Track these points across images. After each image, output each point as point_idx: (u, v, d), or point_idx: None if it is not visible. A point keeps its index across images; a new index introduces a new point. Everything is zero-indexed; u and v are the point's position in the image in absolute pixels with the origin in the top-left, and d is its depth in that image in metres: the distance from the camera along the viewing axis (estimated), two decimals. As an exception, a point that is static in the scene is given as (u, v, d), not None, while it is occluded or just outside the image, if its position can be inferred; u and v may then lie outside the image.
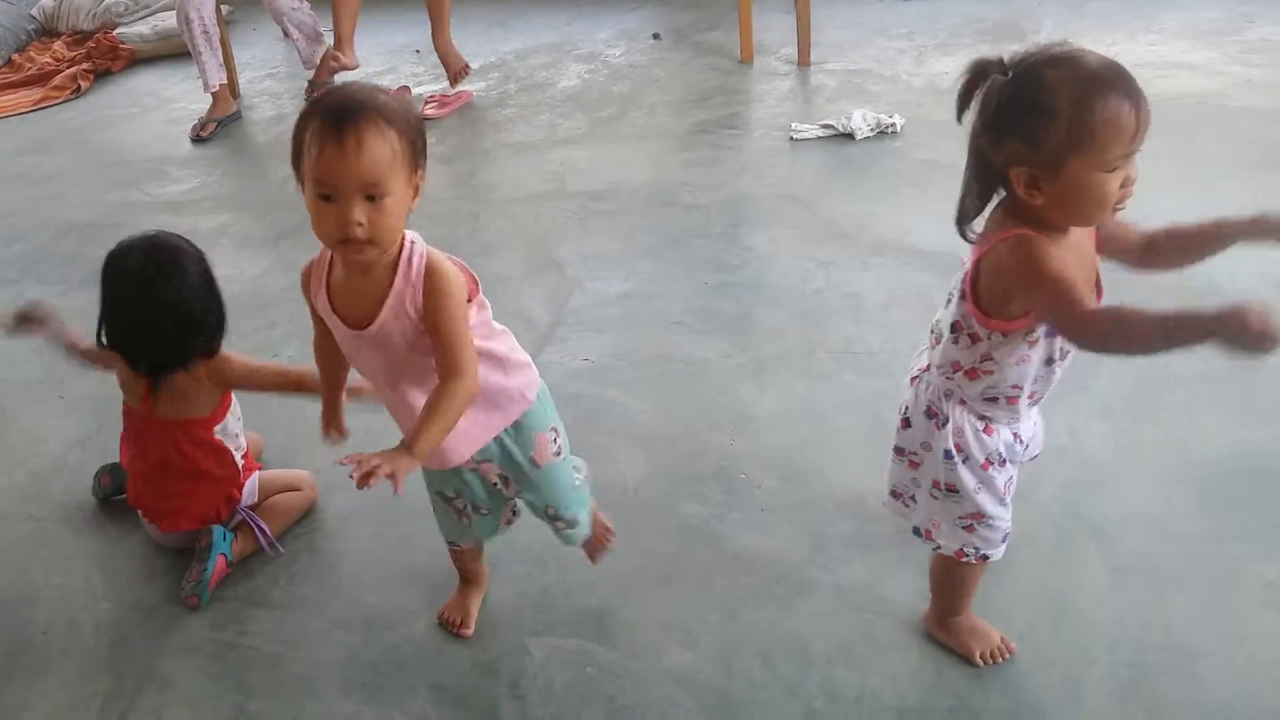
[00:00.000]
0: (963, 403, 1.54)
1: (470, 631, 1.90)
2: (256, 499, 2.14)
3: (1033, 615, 1.81)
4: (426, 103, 4.35)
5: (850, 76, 4.16)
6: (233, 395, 2.14)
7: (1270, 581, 1.82)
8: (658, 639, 1.84)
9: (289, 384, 2.08)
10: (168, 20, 5.46)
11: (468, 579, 1.94)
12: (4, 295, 3.18)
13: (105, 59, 5.35)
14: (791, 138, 3.68)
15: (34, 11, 5.88)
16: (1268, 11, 4.36)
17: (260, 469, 2.22)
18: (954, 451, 1.55)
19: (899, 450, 1.65)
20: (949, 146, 3.51)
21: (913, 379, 1.63)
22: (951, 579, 1.73)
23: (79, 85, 5.13)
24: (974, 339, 1.49)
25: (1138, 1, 4.60)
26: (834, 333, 2.61)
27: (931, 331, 1.59)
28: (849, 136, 3.62)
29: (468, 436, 1.61)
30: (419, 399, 1.53)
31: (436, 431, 1.45)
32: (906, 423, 1.62)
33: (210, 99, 4.43)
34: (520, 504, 1.82)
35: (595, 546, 1.93)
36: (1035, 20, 4.52)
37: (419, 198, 1.46)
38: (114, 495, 2.29)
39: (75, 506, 2.31)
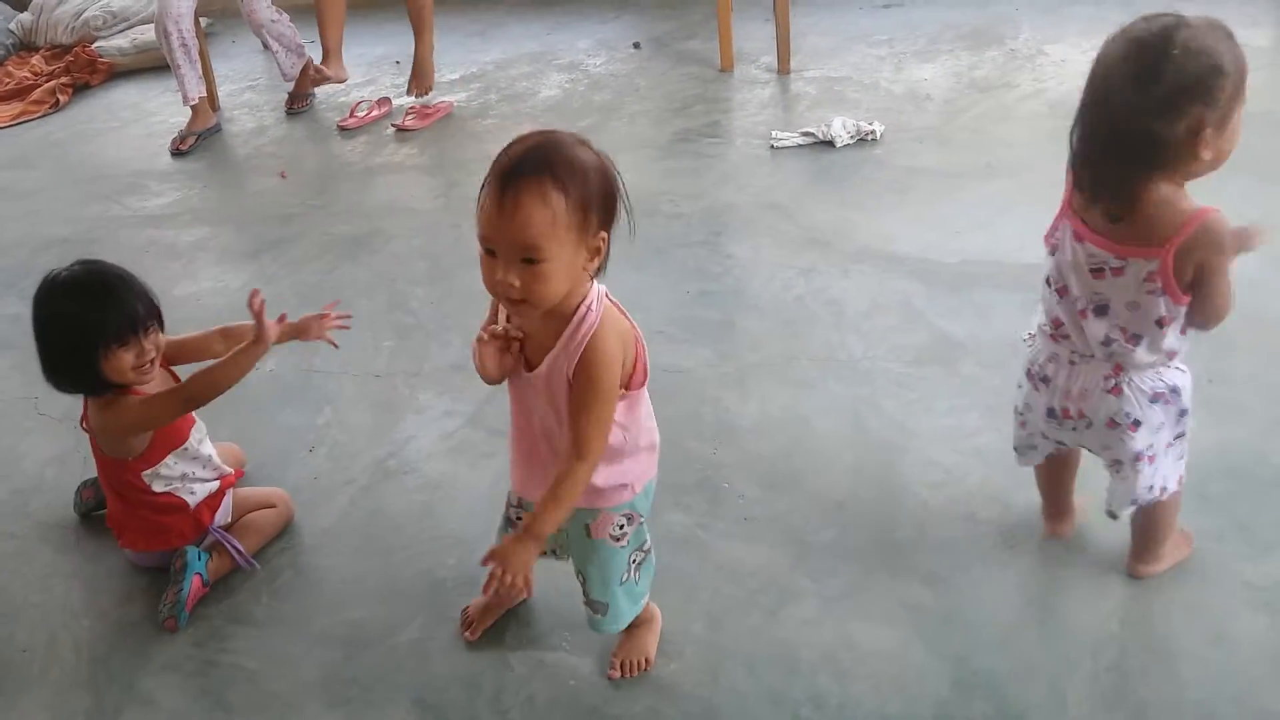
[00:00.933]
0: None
1: (474, 636, 1.89)
2: (230, 519, 2.13)
3: (1015, 620, 1.82)
4: (406, 114, 4.34)
5: (830, 84, 4.18)
6: (189, 434, 2.06)
7: (1248, 581, 1.83)
8: (641, 650, 1.84)
9: (215, 375, 1.98)
10: (146, 33, 5.44)
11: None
12: (-18, 312, 3.17)
13: (84, 72, 5.33)
14: (772, 146, 3.69)
15: (12, 26, 5.85)
16: (1241, 14, 4.39)
17: (241, 474, 2.21)
18: (1183, 401, 1.70)
19: (1139, 455, 1.70)
20: (928, 154, 3.55)
21: (1112, 388, 1.65)
22: (1170, 512, 1.82)
23: (58, 99, 5.11)
24: (1167, 321, 1.60)
25: (1112, 7, 4.62)
26: (816, 340, 2.62)
27: (1104, 343, 1.64)
28: (829, 144, 3.63)
29: (537, 480, 1.61)
30: (537, 451, 1.59)
31: (557, 516, 1.51)
32: (1136, 425, 1.67)
33: (189, 112, 4.41)
34: None
35: (625, 664, 1.80)
36: (1013, 26, 4.54)
37: (602, 258, 1.45)
38: (95, 510, 2.28)
39: (54, 524, 2.30)
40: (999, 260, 2.82)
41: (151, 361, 1.96)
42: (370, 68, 4.93)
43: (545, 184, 1.35)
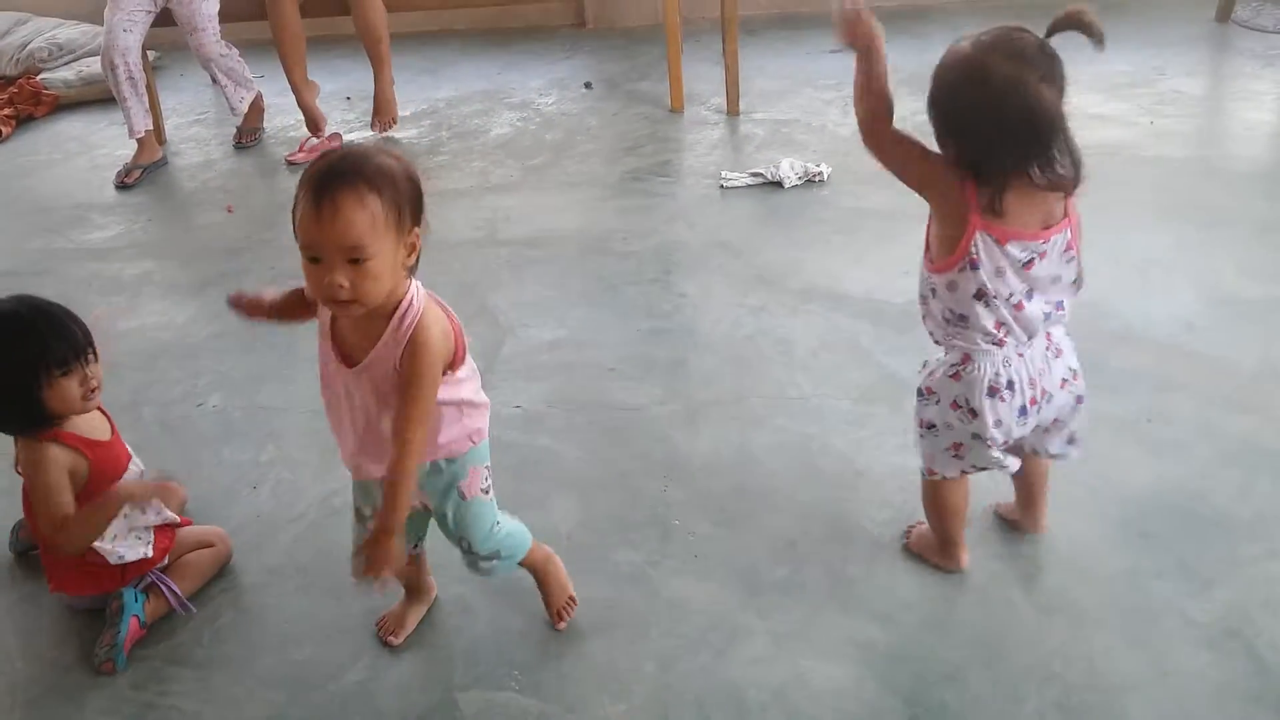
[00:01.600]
0: None
1: (399, 640, 1.94)
2: (166, 561, 2.08)
3: (963, 657, 1.83)
4: (299, 148, 4.43)
5: (778, 126, 4.23)
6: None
7: (1190, 619, 1.86)
8: (591, 690, 1.83)
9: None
10: (92, 65, 5.38)
11: (411, 590, 1.98)
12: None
13: (28, 104, 5.25)
14: (722, 185, 3.73)
15: (-46, 56, 5.77)
16: (1177, 63, 4.52)
17: (189, 524, 2.16)
18: None
19: (1080, 399, 1.88)
20: (875, 195, 3.60)
21: (1056, 353, 1.83)
22: None
23: (1, 131, 5.03)
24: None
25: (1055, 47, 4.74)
26: (766, 378, 2.64)
27: (1044, 319, 1.78)
28: (778, 184, 3.68)
29: (374, 458, 1.68)
30: (382, 455, 1.61)
31: (400, 503, 1.58)
32: (1075, 374, 1.87)
33: (135, 145, 4.37)
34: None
35: (559, 612, 1.95)
36: (957, 72, 4.63)
37: (416, 254, 1.54)
38: (30, 549, 2.22)
39: (-12, 563, 2.24)
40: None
41: (95, 389, 1.95)
42: (322, 102, 4.90)
43: (360, 188, 1.44)
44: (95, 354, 1.97)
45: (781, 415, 2.49)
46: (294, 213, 1.49)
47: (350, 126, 4.71)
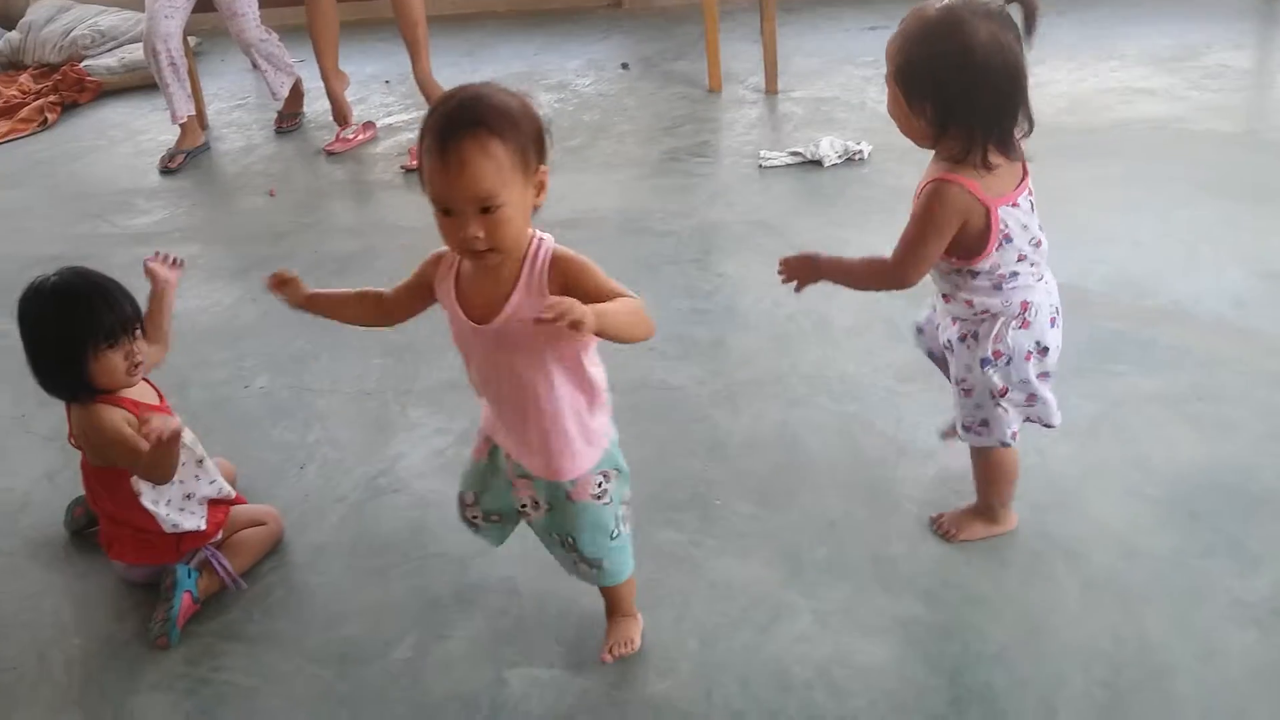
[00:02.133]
0: None
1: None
2: (220, 536, 2.12)
3: (1008, 636, 1.82)
4: (411, 155, 4.26)
5: (817, 104, 4.21)
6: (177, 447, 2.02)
7: (1237, 598, 1.84)
8: (636, 667, 1.84)
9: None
10: (135, 52, 5.45)
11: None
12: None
13: (72, 91, 5.33)
14: (760, 165, 3.72)
15: (0, 44, 5.85)
16: (1224, 36, 4.45)
17: (242, 502, 2.20)
18: None
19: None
20: (916, 173, 3.54)
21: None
22: None
23: (46, 118, 5.11)
24: None
25: (1099, 29, 4.68)
26: (806, 357, 2.63)
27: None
28: (817, 164, 3.66)
29: (526, 445, 1.65)
30: (518, 415, 1.61)
31: (617, 319, 1.46)
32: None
33: (178, 130, 4.42)
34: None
35: (614, 646, 1.85)
36: (998, 48, 4.58)
37: (544, 193, 1.51)
38: (86, 529, 2.26)
39: (44, 541, 2.29)
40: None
41: (139, 364, 1.99)
42: (360, 87, 4.93)
43: (482, 135, 1.39)
44: (143, 330, 2.03)
45: (822, 394, 2.49)
46: (420, 163, 1.46)
47: (389, 110, 4.74)
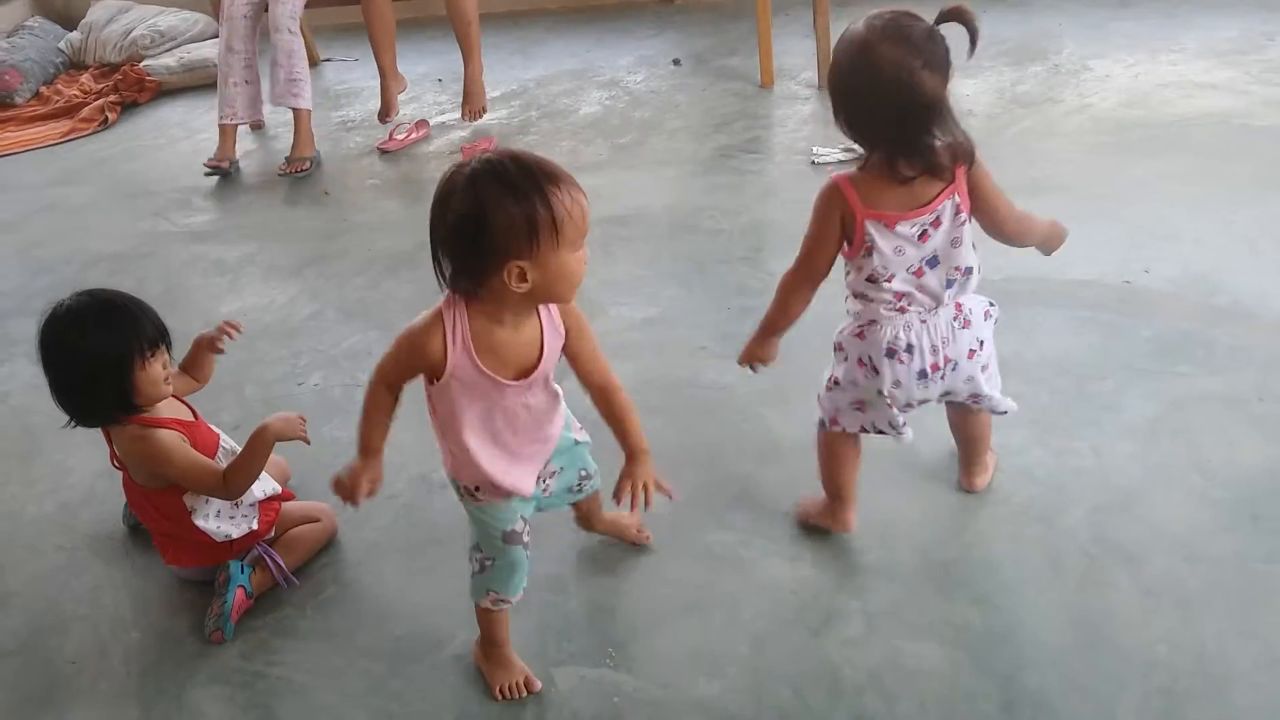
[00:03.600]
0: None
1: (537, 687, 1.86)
2: (274, 534, 2.15)
3: (1062, 641, 1.80)
4: (463, 153, 4.25)
5: (870, 100, 4.16)
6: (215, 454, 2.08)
7: (1304, 606, 1.80)
8: (685, 668, 1.83)
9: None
10: (194, 52, 5.54)
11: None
12: (33, 327, 3.20)
13: (132, 91, 5.42)
14: (813, 161, 3.69)
15: (61, 45, 5.97)
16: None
17: (292, 498, 2.23)
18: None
19: (985, 366, 1.96)
20: (970, 169, 3.47)
21: (963, 323, 1.90)
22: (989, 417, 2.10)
23: (106, 117, 5.20)
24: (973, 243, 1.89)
25: (1158, 21, 4.59)
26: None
27: (947, 286, 1.86)
28: (870, 160, 3.62)
29: (544, 452, 1.80)
30: (538, 435, 1.74)
31: (640, 430, 1.76)
32: (982, 343, 1.94)
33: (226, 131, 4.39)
34: None
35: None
36: (1056, 41, 4.52)
37: None
38: (143, 524, 2.30)
39: (104, 537, 2.33)
40: (1045, 277, 2.80)
41: (169, 377, 2.00)
42: (412, 86, 4.97)
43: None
44: (170, 343, 2.01)
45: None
46: (555, 213, 1.46)
47: (441, 108, 4.76)
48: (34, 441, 2.70)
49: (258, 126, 4.72)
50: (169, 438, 1.97)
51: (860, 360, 1.90)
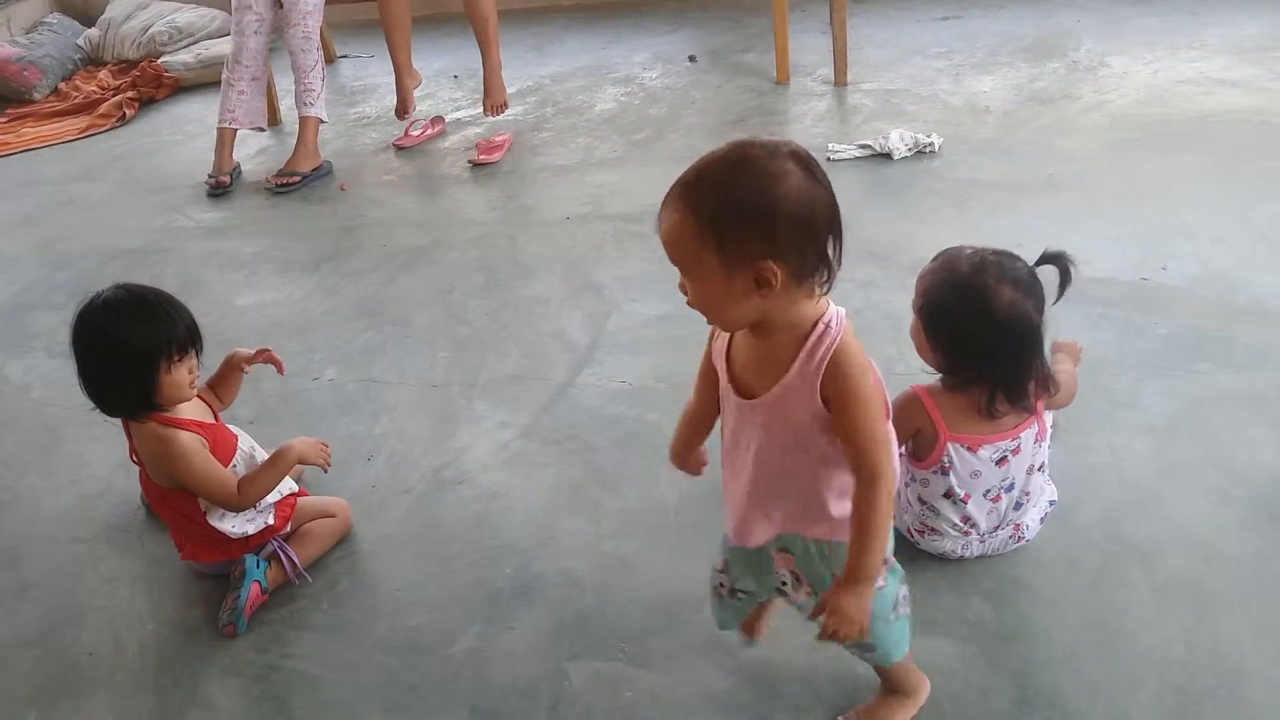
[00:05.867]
0: None
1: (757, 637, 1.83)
2: (289, 528, 2.16)
3: (1077, 638, 1.79)
4: (479, 150, 4.22)
5: (887, 96, 4.16)
6: (234, 456, 2.08)
7: (1321, 605, 1.79)
8: (699, 663, 1.83)
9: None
10: (211, 48, 5.56)
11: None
12: (54, 320, 3.24)
13: (150, 87, 5.44)
14: (829, 158, 3.68)
15: (80, 41, 6.00)
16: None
17: (305, 494, 2.23)
18: None
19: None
20: (988, 166, 3.52)
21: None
22: None
23: (124, 113, 5.23)
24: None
25: (1179, 18, 4.57)
26: (874, 353, 2.53)
27: (1016, 507, 1.92)
28: (886, 156, 3.62)
29: (770, 522, 1.52)
30: (775, 508, 1.49)
31: (873, 547, 1.37)
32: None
33: (223, 134, 4.34)
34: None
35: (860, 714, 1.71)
36: (1073, 38, 4.50)
37: (773, 291, 1.28)
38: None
39: (120, 528, 2.34)
40: (1060, 274, 2.79)
41: (194, 380, 2.02)
42: (428, 82, 4.97)
43: (674, 200, 1.30)
44: (202, 347, 2.03)
45: (890, 390, 2.43)
46: None
47: (457, 105, 4.77)
48: (53, 434, 2.72)
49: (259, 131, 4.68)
50: (188, 441, 1.98)
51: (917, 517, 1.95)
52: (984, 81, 4.15)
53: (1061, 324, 2.59)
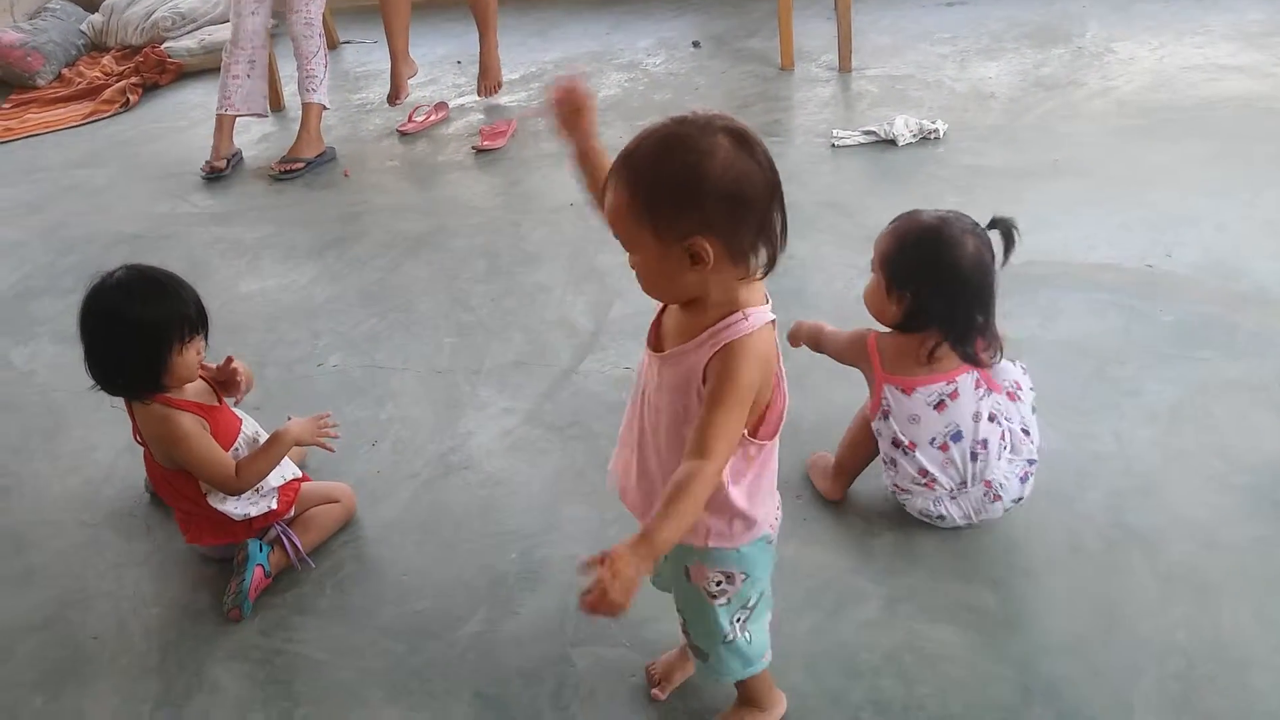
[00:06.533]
0: None
1: (664, 695, 1.77)
2: (293, 513, 2.16)
3: (1080, 626, 1.79)
4: (483, 135, 4.22)
5: (892, 82, 4.14)
6: (236, 440, 2.09)
7: (1324, 592, 1.79)
8: (701, 648, 1.84)
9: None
10: (214, 34, 5.54)
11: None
12: (59, 305, 3.24)
13: (153, 73, 5.43)
14: (833, 144, 3.67)
15: (83, 27, 5.98)
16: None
17: (308, 480, 2.24)
18: None
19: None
20: (993, 152, 3.50)
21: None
22: None
23: (128, 99, 5.22)
24: None
25: (1184, 3, 4.54)
26: (876, 340, 2.60)
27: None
28: (891, 143, 3.61)
29: (641, 493, 1.52)
30: (651, 476, 1.47)
31: (676, 523, 1.27)
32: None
33: (223, 123, 4.33)
34: None
35: None
36: (1079, 24, 4.48)
37: (707, 267, 1.28)
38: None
39: (125, 513, 2.35)
40: (1065, 260, 2.79)
41: (201, 362, 2.04)
42: (431, 68, 4.96)
43: (613, 176, 1.31)
44: (209, 330, 2.04)
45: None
46: None
47: (460, 90, 4.76)
48: (58, 419, 2.73)
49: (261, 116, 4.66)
50: (188, 423, 1.99)
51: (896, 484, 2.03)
52: (989, 67, 4.13)
53: (1065, 310, 2.60)
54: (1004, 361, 1.97)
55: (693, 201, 1.26)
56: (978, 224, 1.89)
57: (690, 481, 1.29)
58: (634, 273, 1.36)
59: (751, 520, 1.47)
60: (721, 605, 1.53)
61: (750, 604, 1.56)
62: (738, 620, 1.56)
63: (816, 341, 2.13)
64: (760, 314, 1.35)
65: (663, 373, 1.42)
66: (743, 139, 1.29)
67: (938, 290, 1.86)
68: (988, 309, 1.89)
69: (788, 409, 1.45)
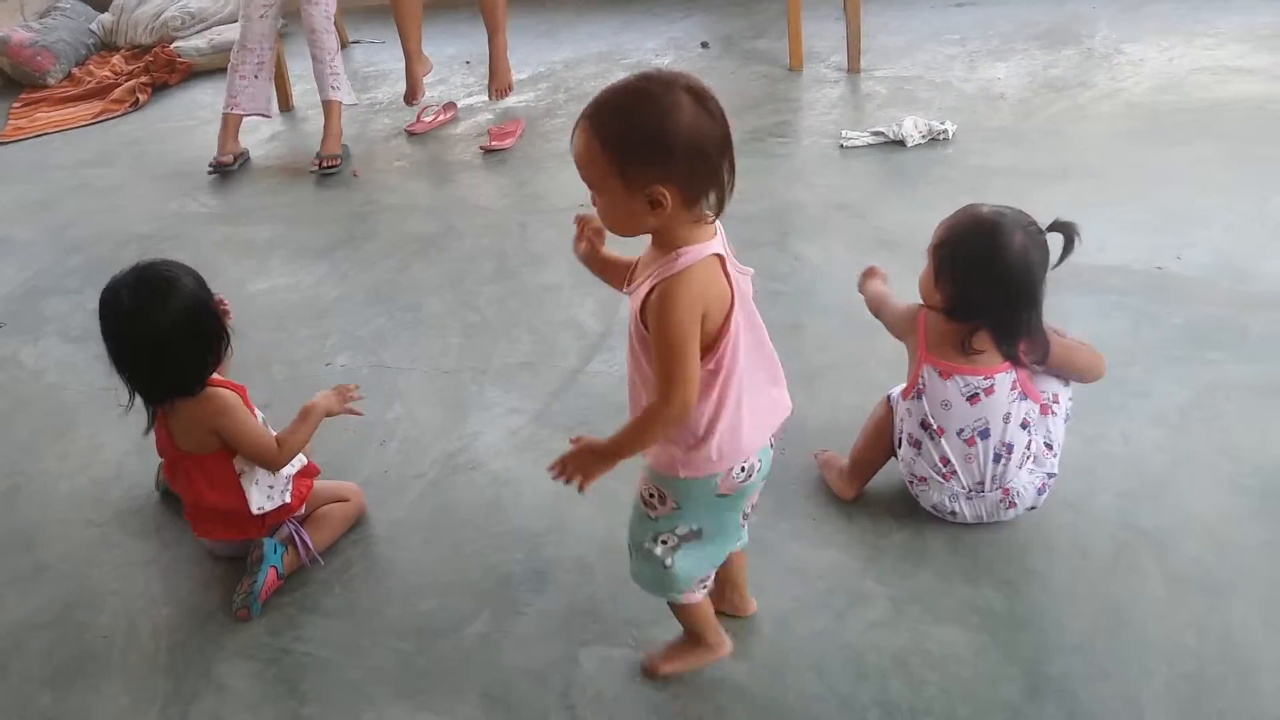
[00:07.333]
0: None
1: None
2: (304, 510, 2.16)
3: (1089, 627, 1.79)
4: (491, 136, 4.23)
5: (901, 83, 4.14)
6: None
7: (1334, 595, 1.79)
8: (708, 648, 1.84)
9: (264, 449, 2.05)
10: (224, 34, 5.56)
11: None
12: (66, 305, 3.26)
13: (163, 72, 5.45)
14: (842, 145, 3.67)
15: (93, 26, 6.01)
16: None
17: (318, 472, 2.24)
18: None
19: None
20: (1002, 153, 3.50)
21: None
22: None
23: (137, 98, 5.24)
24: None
25: (1194, 5, 4.53)
26: (886, 342, 2.57)
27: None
28: (900, 144, 3.60)
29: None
30: (640, 403, 1.57)
31: (632, 443, 1.53)
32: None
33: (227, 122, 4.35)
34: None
35: (655, 661, 1.81)
36: (1089, 24, 4.47)
37: (665, 211, 1.40)
38: (174, 492, 2.32)
39: (134, 512, 2.36)
40: (1075, 262, 2.75)
41: None
42: (441, 68, 4.97)
43: (582, 124, 1.43)
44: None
45: (903, 380, 2.44)
46: None
47: (469, 90, 4.77)
48: (67, 418, 2.73)
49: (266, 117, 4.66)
50: (231, 397, 2.03)
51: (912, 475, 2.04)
52: (998, 68, 4.13)
53: (1074, 312, 2.59)
54: (1049, 377, 1.98)
55: (657, 155, 1.39)
56: (1035, 223, 1.90)
57: (644, 415, 1.50)
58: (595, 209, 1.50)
59: (696, 441, 1.54)
60: (649, 517, 1.64)
61: (678, 533, 1.64)
62: (663, 540, 1.65)
63: (876, 307, 2.15)
64: (696, 251, 1.45)
65: (631, 313, 1.54)
66: (702, 96, 1.41)
67: (978, 281, 1.88)
68: (1032, 308, 1.89)
69: (794, 411, 1.55)
